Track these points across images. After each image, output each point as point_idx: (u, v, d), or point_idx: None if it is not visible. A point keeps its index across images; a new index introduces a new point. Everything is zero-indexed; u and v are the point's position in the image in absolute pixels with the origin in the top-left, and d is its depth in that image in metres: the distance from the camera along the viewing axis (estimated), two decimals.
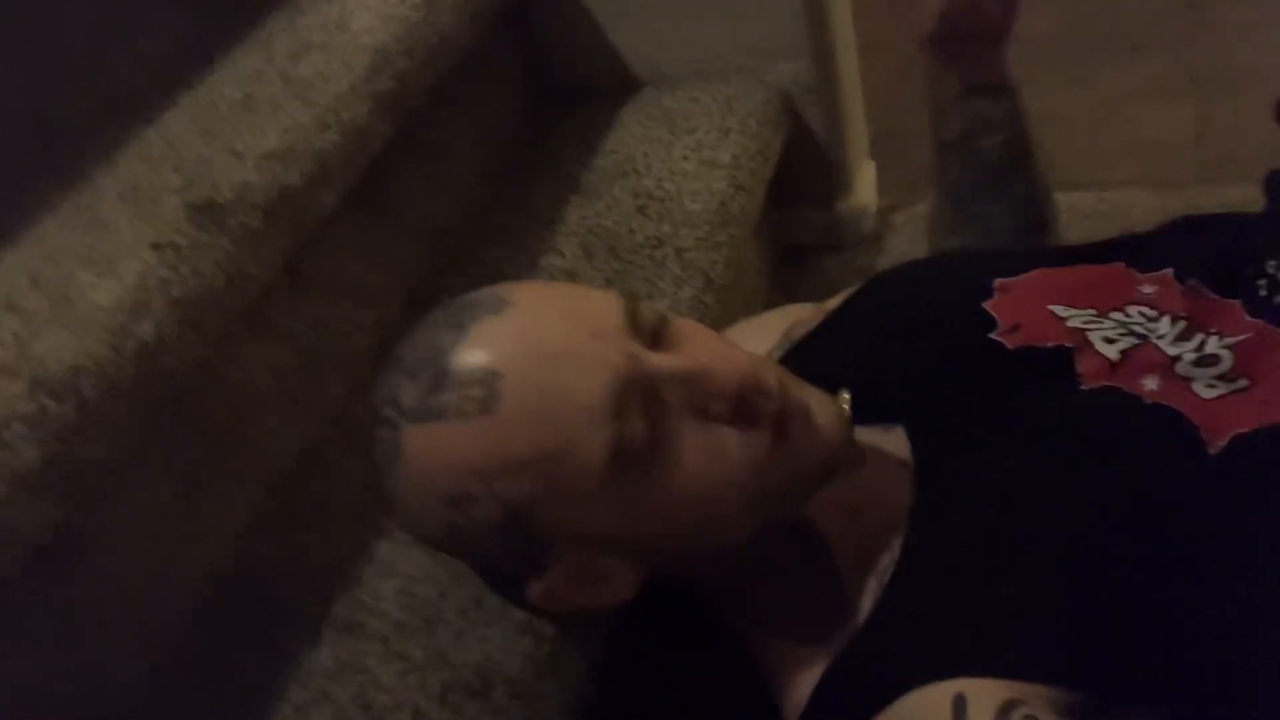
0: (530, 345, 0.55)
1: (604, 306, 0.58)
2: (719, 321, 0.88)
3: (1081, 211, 1.14)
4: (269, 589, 0.67)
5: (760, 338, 0.81)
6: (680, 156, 0.99)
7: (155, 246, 0.63)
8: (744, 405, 0.56)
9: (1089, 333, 0.65)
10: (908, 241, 1.18)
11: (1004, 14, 0.80)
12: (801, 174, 1.14)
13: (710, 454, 0.56)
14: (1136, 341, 0.64)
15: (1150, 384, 0.62)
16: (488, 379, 0.54)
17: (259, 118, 0.75)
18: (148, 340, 0.59)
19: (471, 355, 0.55)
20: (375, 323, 0.85)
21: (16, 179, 0.76)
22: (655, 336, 0.58)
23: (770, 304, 1.14)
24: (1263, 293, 0.65)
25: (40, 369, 0.56)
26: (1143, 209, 1.16)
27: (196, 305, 0.63)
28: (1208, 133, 1.40)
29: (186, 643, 0.64)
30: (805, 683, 0.61)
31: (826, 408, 0.60)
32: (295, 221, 0.72)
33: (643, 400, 0.55)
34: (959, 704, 0.52)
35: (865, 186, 1.20)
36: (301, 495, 0.73)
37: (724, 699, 0.66)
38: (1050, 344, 0.65)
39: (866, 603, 0.62)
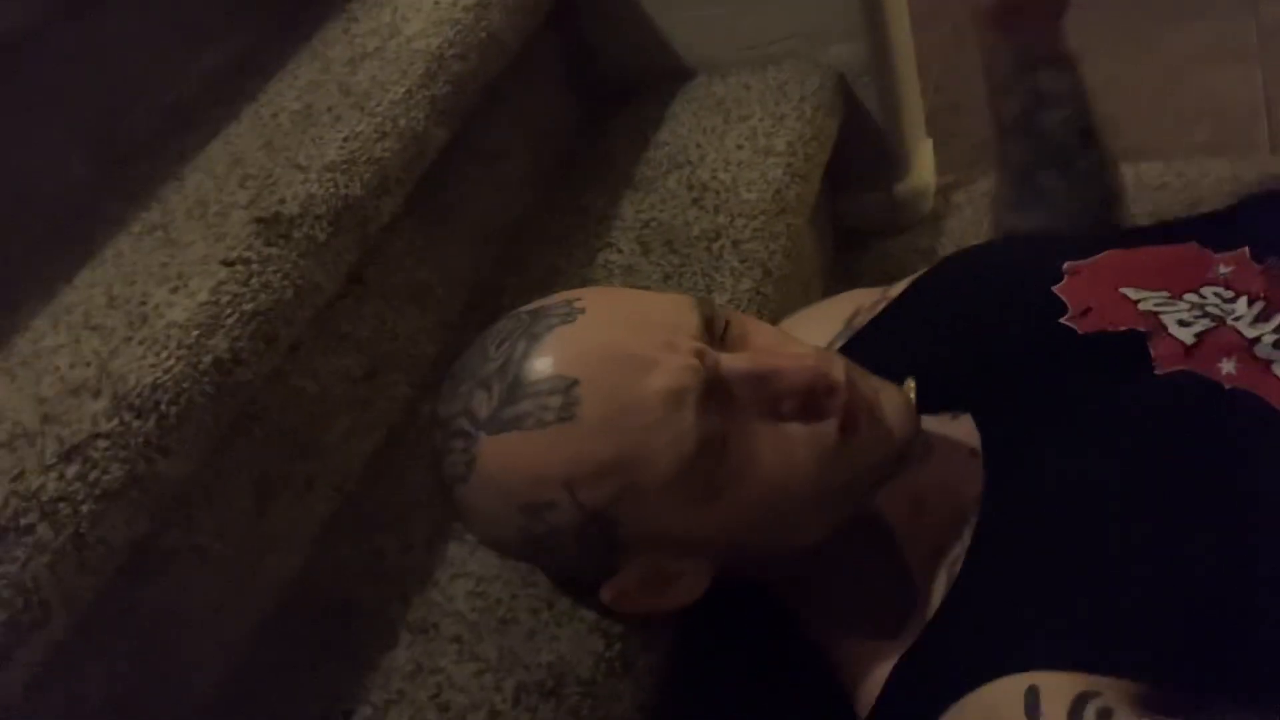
0: (606, 352, 0.55)
1: (676, 311, 0.58)
2: (778, 312, 0.88)
3: (1150, 184, 1.11)
4: (344, 593, 0.68)
5: (823, 325, 0.81)
6: (734, 145, 0.99)
7: (226, 263, 0.64)
8: (812, 401, 0.56)
9: (1162, 315, 0.64)
10: (968, 221, 1.16)
11: None
12: (858, 157, 1.12)
13: (781, 451, 0.56)
14: (1212, 324, 0.62)
15: (1228, 367, 0.60)
16: (565, 386, 0.54)
17: (319, 129, 0.76)
18: (222, 355, 0.61)
19: (547, 363, 0.55)
20: (437, 325, 0.86)
21: (91, 198, 0.78)
22: (722, 336, 0.58)
23: (828, 291, 1.12)
24: None
25: (121, 386, 0.58)
26: (1213, 179, 1.12)
27: (268, 319, 0.64)
28: (1278, 95, 1.35)
29: (265, 648, 0.66)
30: (877, 677, 0.61)
31: (894, 399, 0.60)
32: (359, 231, 0.73)
33: (716, 401, 0.55)
34: (1031, 697, 0.51)
35: (924, 166, 1.18)
36: (372, 499, 0.74)
37: (795, 694, 0.67)
38: (1122, 328, 0.64)
39: (936, 594, 0.61)
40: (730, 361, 0.56)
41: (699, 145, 1.00)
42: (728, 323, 0.59)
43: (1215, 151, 1.24)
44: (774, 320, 0.87)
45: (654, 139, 1.03)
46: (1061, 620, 0.55)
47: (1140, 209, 1.06)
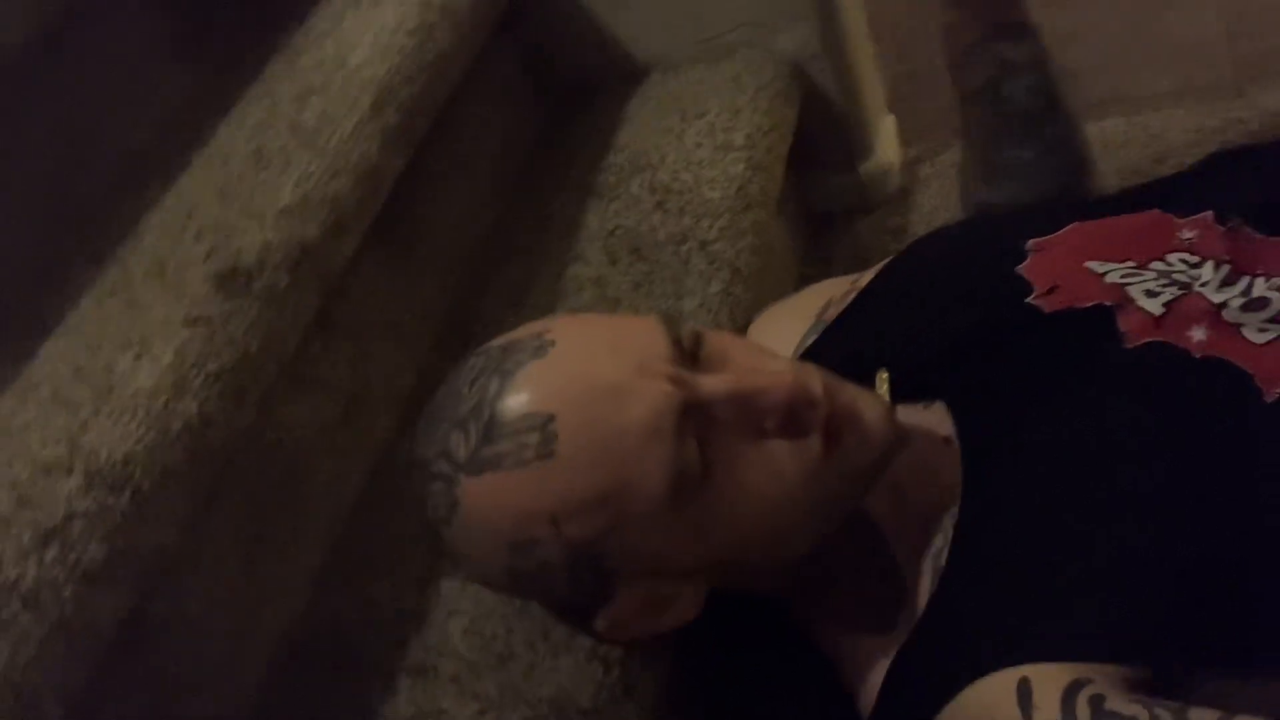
0: (580, 385, 0.55)
1: (646, 335, 0.57)
2: (751, 308, 0.87)
3: (1114, 142, 1.11)
4: (341, 640, 0.68)
5: (794, 321, 0.81)
6: (693, 144, 0.98)
7: (188, 322, 0.64)
8: (794, 417, 0.56)
9: (1129, 287, 0.63)
10: (937, 196, 1.15)
11: None
12: (820, 140, 1.11)
13: (765, 469, 0.56)
14: (1180, 291, 0.62)
15: (1198, 335, 0.60)
16: (542, 424, 0.54)
17: (271, 172, 0.75)
18: (192, 419, 0.60)
19: (522, 401, 0.55)
20: (410, 358, 0.85)
21: (50, 261, 0.77)
22: (694, 355, 0.58)
23: (802, 277, 1.12)
24: None
25: (93, 462, 0.57)
26: (1178, 130, 1.12)
27: (235, 374, 0.63)
28: (1240, 30, 1.34)
29: (267, 705, 0.66)
30: (875, 677, 0.61)
31: (872, 405, 0.60)
32: (320, 273, 0.72)
33: (696, 424, 0.55)
34: (1023, 690, 0.52)
35: (887, 143, 1.18)
36: (361, 543, 0.74)
37: (800, 698, 0.67)
38: (1089, 304, 0.64)
39: (925, 587, 0.61)
40: (710, 384, 0.56)
41: (659, 146, 0.99)
42: (701, 339, 0.58)
43: (1179, 98, 1.23)
44: (746, 317, 0.86)
45: (613, 143, 1.02)
46: (1047, 610, 0.55)
47: (1106, 167, 1.06)
